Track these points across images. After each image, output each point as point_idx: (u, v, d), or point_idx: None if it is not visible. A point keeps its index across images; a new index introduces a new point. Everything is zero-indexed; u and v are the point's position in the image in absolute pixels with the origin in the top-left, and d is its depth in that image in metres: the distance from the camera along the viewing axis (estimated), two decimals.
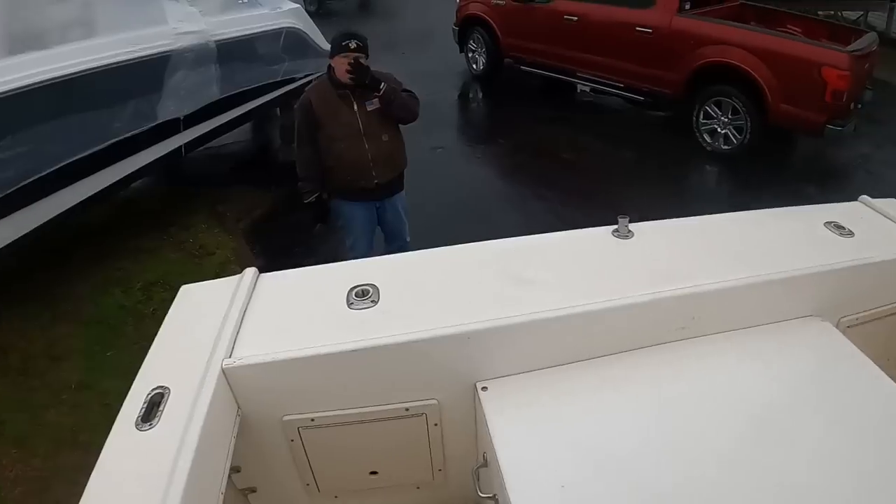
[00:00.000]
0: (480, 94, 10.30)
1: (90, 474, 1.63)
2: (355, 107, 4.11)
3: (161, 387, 1.76)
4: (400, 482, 2.20)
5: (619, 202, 6.41)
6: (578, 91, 9.29)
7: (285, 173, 7.07)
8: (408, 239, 4.70)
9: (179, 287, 5.27)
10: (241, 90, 6.37)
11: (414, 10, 14.99)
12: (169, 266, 5.78)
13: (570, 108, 9.41)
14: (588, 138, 8.23)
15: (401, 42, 11.27)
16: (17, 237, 4.81)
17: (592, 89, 8.84)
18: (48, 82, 4.64)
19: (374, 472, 2.14)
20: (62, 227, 5.48)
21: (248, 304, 2.09)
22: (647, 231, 2.33)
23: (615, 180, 7.11)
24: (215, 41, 5.89)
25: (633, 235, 2.27)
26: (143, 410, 1.69)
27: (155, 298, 5.34)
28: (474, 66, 10.30)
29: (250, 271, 2.27)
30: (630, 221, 2.30)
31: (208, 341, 1.90)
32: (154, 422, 1.66)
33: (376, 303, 2.02)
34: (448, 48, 10.66)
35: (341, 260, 5.01)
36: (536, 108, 9.34)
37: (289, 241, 6.03)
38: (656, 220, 2.44)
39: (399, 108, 4.21)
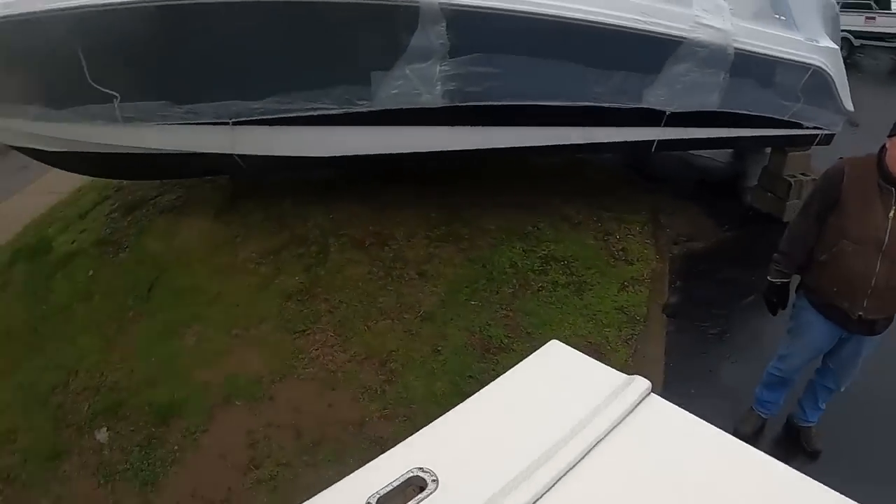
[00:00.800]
0: None
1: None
2: (892, 213, 2.98)
3: (429, 473, 1.32)
4: None
5: None
6: None
7: (746, 219, 6.21)
8: (842, 388, 3.51)
9: (580, 275, 4.67)
10: (741, 112, 5.52)
11: None
12: (580, 250, 5.15)
13: None
14: None
15: None
16: (451, 149, 4.68)
17: None
18: (542, 17, 4.26)
19: None
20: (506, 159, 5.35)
21: (607, 434, 1.51)
22: None
23: None
24: (735, 47, 5.05)
25: None
26: (388, 491, 1.26)
27: (550, 275, 4.80)
28: None
29: (641, 385, 1.64)
30: None
31: (526, 457, 1.37)
32: None
33: None
34: None
35: (755, 357, 3.99)
36: None
37: (711, 297, 4.96)
38: None
39: None
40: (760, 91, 5.47)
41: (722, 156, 7.41)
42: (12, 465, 3.94)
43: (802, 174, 5.99)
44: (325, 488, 1.29)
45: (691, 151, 6.28)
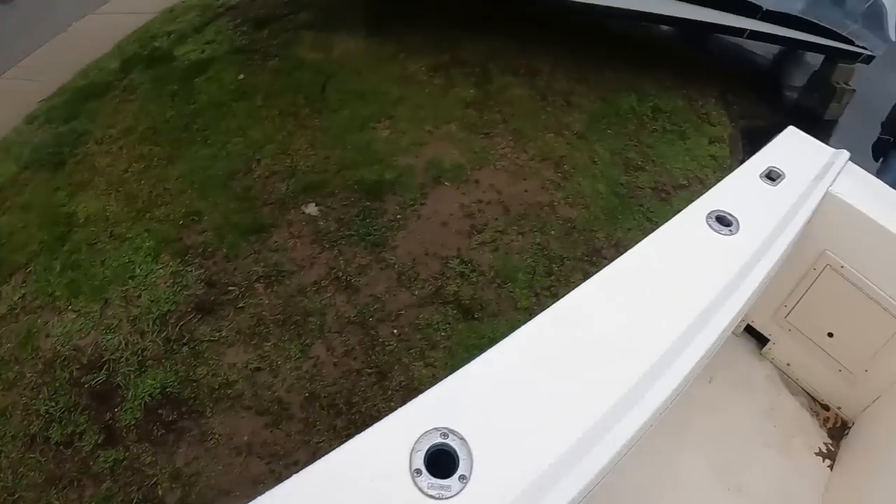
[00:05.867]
0: None
1: None
2: None
3: None
4: None
5: None
6: None
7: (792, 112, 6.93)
8: None
9: (680, 126, 5.50)
10: (813, 21, 6.40)
11: None
12: (676, 108, 5.91)
13: None
14: None
15: None
16: None
17: None
18: None
19: None
20: None
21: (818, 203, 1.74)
22: None
23: None
24: None
25: None
26: None
27: (658, 121, 5.57)
28: None
29: (844, 155, 1.91)
30: None
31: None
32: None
33: None
34: None
35: None
36: None
37: None
38: None
39: None
40: (832, 8, 6.37)
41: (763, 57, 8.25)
42: (205, 241, 4.17)
43: (845, 83, 6.93)
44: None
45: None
